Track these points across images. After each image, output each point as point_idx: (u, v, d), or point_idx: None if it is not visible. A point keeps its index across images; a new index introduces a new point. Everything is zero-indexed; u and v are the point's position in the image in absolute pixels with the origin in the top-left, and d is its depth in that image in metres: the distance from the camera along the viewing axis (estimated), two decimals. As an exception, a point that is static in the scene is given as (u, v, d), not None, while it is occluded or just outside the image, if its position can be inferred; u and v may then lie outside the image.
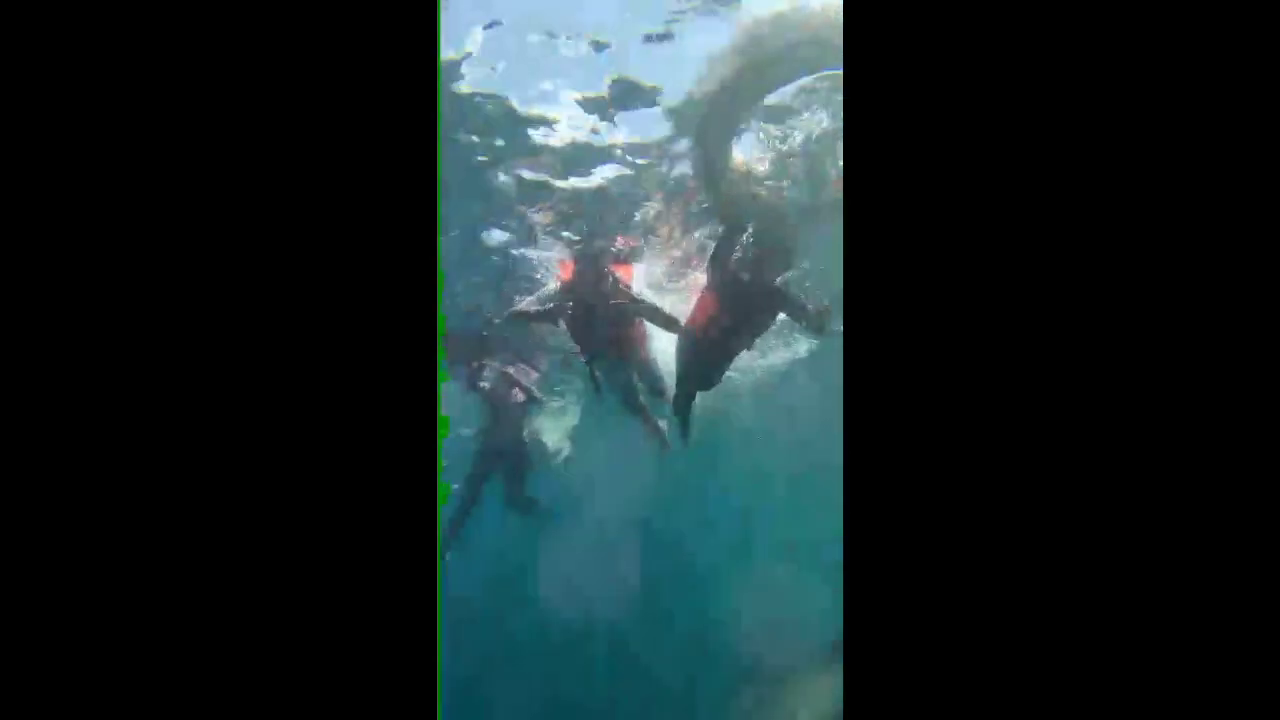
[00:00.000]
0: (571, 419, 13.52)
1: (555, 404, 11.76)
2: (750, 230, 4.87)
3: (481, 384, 7.07)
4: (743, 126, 4.18)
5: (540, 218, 5.31)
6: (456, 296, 6.64)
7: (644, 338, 5.45)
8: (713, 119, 3.98)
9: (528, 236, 5.65)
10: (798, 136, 4.32)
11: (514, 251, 5.99)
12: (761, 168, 4.59)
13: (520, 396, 7.25)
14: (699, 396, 5.23)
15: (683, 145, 4.39)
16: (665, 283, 6.28)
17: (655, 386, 5.57)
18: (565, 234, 5.45)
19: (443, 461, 1.32)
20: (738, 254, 4.78)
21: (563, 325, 5.07)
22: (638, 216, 5.28)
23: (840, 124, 4.12)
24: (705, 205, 5.09)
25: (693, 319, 4.83)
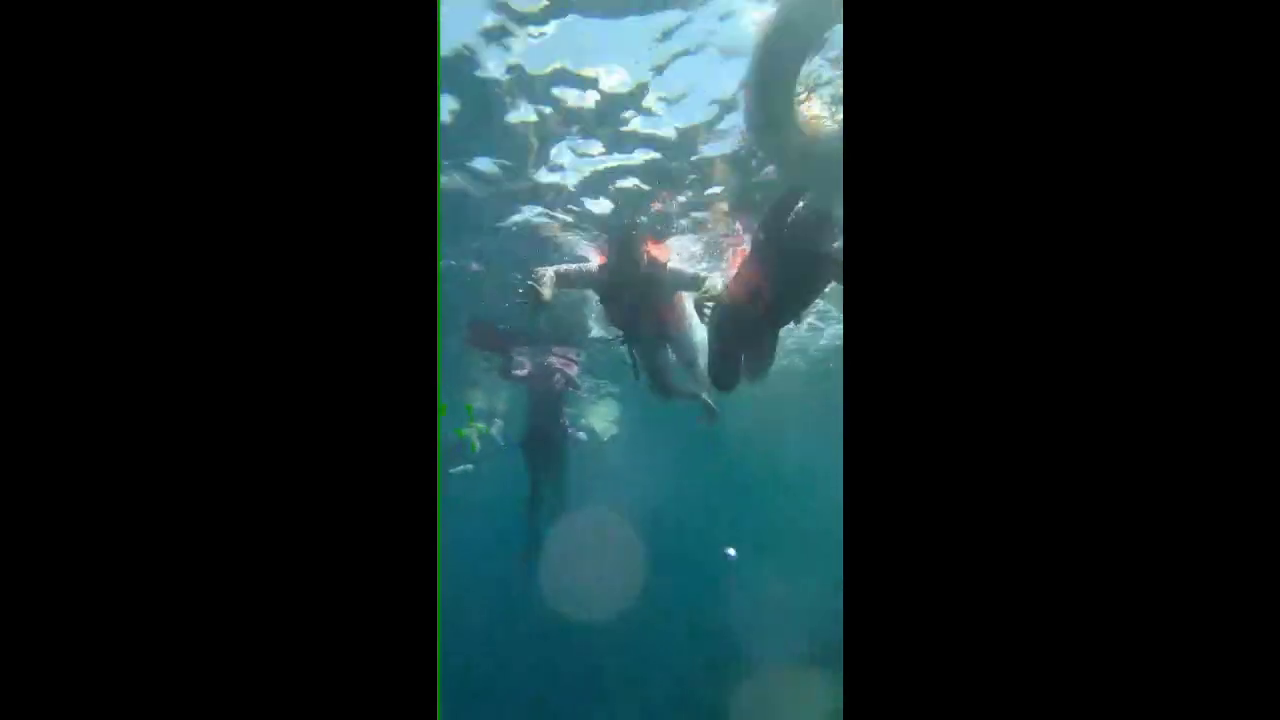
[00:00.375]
0: (612, 408, 13.51)
1: (596, 394, 11.62)
2: (809, 191, 4.29)
3: (516, 371, 6.88)
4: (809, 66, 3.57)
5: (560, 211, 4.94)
6: (508, 285, 6.41)
7: (681, 315, 5.07)
8: (772, 55, 3.40)
9: (558, 227, 5.31)
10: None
11: (545, 241, 5.67)
12: (823, 113, 3.96)
13: (560, 382, 7.06)
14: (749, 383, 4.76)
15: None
16: (703, 259, 5.87)
17: (690, 362, 5.28)
18: (592, 206, 5.04)
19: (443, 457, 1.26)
20: (794, 217, 4.22)
21: (595, 300, 4.80)
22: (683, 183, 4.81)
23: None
24: (757, 162, 4.51)
25: (731, 292, 4.32)
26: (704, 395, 5.45)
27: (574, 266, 4.66)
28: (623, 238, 4.56)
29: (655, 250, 4.82)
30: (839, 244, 4.29)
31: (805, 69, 3.54)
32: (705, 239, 5.63)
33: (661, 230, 5.27)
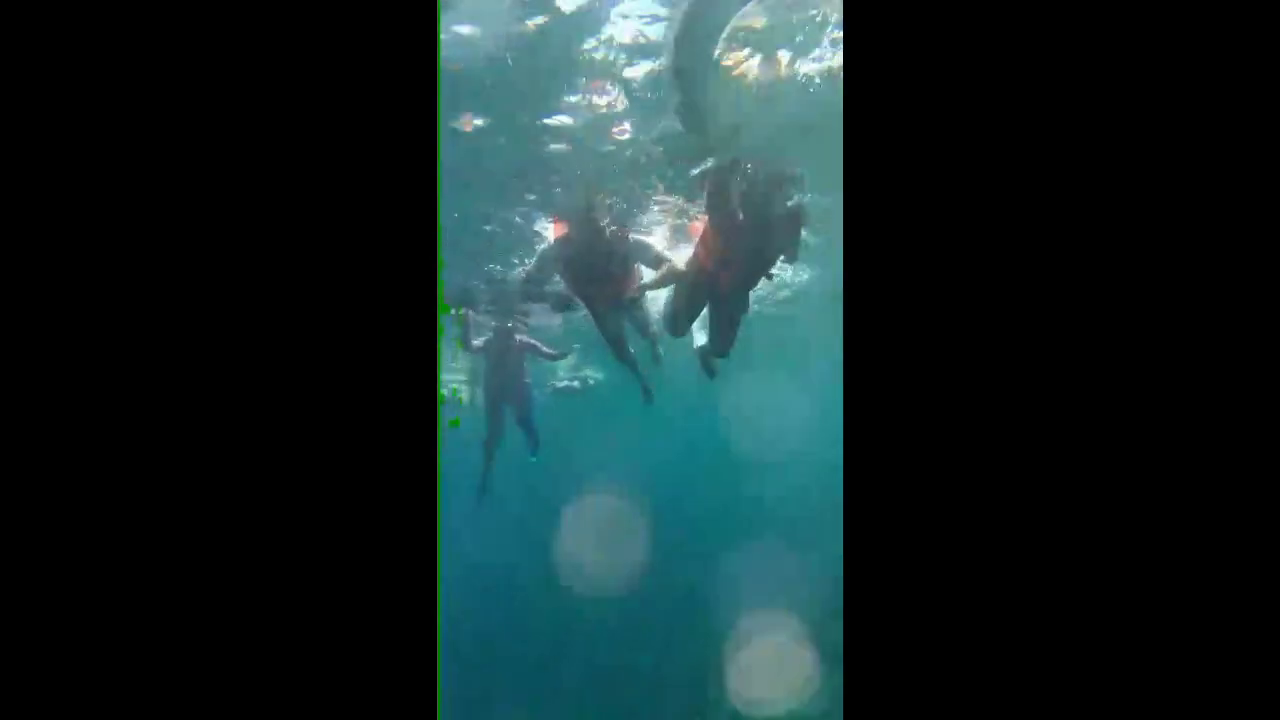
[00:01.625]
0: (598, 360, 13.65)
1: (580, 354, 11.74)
2: (746, 163, 4.34)
3: (474, 343, 6.98)
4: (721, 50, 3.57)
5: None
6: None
7: (638, 283, 5.17)
8: (688, 38, 3.42)
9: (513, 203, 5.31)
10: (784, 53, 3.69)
11: (492, 227, 5.66)
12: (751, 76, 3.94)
13: (519, 346, 7.12)
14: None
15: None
16: (665, 238, 5.90)
17: (645, 331, 5.37)
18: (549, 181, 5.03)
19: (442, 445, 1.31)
20: (741, 187, 4.29)
21: (558, 278, 4.88)
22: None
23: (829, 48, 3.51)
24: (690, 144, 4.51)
25: (698, 258, 4.44)
26: (642, 375, 5.57)
27: (532, 265, 4.77)
28: (584, 206, 4.56)
29: (619, 230, 4.92)
30: (792, 202, 4.38)
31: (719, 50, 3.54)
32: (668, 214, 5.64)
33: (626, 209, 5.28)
